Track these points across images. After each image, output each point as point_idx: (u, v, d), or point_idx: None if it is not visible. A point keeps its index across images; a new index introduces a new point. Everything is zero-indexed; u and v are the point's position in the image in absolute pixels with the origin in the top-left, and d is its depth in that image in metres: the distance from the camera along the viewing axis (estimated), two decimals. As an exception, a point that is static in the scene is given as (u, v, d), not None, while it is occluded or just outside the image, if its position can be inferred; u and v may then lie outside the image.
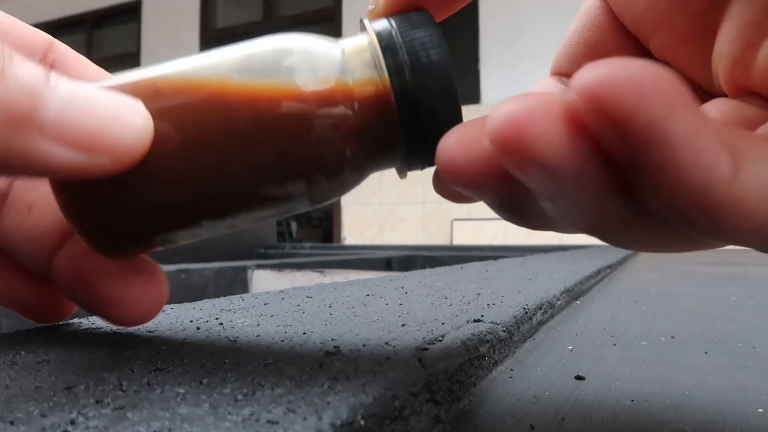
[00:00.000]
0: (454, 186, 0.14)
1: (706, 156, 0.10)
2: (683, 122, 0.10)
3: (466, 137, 0.13)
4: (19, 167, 0.13)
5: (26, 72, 0.13)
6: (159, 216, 0.15)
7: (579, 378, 0.20)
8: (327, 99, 0.15)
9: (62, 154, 0.13)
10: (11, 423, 0.10)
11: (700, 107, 0.11)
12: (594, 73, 0.10)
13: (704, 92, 0.17)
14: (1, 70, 0.12)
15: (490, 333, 0.21)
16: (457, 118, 0.15)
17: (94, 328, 0.20)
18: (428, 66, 0.15)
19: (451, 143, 0.13)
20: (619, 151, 0.10)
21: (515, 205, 0.14)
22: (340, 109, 0.15)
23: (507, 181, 0.13)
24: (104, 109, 0.14)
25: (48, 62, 0.19)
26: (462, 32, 3.24)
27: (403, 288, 0.35)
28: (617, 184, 0.11)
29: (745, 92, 0.15)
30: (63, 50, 0.19)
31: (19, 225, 0.18)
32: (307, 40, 0.15)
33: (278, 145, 0.14)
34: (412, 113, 0.15)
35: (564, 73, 0.20)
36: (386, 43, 0.15)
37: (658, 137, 0.10)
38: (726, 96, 0.16)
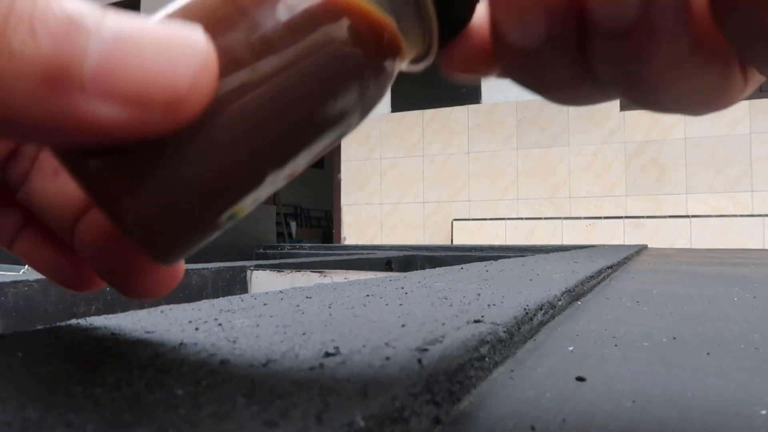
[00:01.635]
0: (515, 16, 0.13)
1: None
2: None
3: None
4: (64, 132, 0.11)
5: (58, 15, 0.11)
6: (222, 183, 0.14)
7: (580, 379, 0.20)
8: None
9: (111, 112, 0.11)
10: (8, 425, 0.10)
11: None
12: None
13: None
14: (30, 15, 0.10)
15: (490, 334, 0.21)
16: None
17: (92, 329, 0.20)
18: None
19: None
20: None
21: (558, 54, 0.13)
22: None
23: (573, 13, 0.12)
24: (154, 50, 0.11)
25: None
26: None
27: (403, 288, 0.35)
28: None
29: None
30: None
31: (45, 189, 0.18)
32: None
33: (326, 52, 0.14)
34: None
35: None
36: None
37: None
38: None
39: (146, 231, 0.14)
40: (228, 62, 0.13)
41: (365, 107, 0.15)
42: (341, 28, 0.14)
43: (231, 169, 0.13)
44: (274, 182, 0.15)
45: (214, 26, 0.13)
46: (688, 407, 0.17)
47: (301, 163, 0.15)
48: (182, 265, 0.18)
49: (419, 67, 0.17)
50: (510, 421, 0.15)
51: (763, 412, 0.16)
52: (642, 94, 0.14)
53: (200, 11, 0.13)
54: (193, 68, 0.11)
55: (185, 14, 0.13)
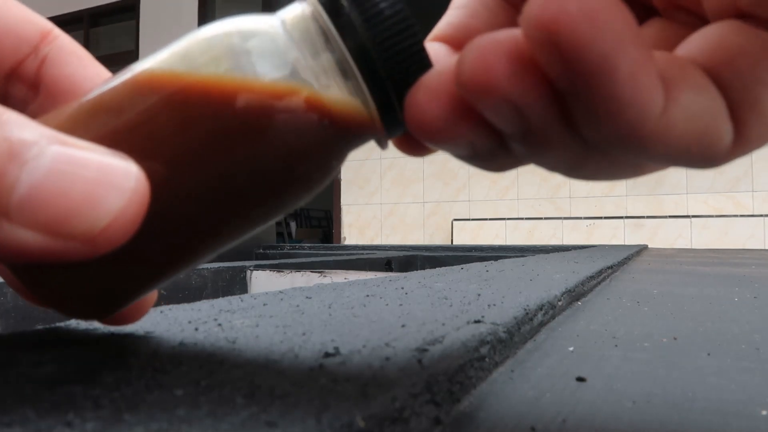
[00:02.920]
0: (428, 142, 0.14)
1: (645, 93, 0.10)
2: (629, 58, 0.10)
3: (430, 93, 0.13)
4: None
5: (1, 145, 0.11)
6: (143, 283, 0.15)
7: (580, 379, 0.20)
8: (284, 89, 0.13)
9: (33, 240, 0.11)
10: (7, 425, 0.10)
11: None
12: (547, 4, 0.10)
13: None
14: None
15: (490, 334, 0.21)
16: (428, 66, 0.14)
17: (91, 329, 0.20)
18: (381, 17, 0.13)
19: (418, 103, 0.13)
20: (565, 83, 0.11)
21: (482, 151, 0.14)
22: (301, 97, 0.13)
23: (475, 129, 0.13)
24: (83, 184, 0.11)
25: (39, 57, 0.17)
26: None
27: (403, 288, 0.35)
28: (565, 117, 0.12)
29: (670, 5, 0.15)
30: (60, 43, 0.18)
31: None
32: (245, 22, 0.14)
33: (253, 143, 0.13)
34: (378, 77, 0.14)
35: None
36: (329, 6, 0.13)
37: (604, 73, 0.10)
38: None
39: (69, 308, 0.15)
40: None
41: (285, 203, 0.15)
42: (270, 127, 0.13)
43: (147, 272, 0.15)
44: (206, 258, 0.15)
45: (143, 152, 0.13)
46: (688, 407, 0.17)
47: (243, 232, 0.15)
48: (153, 295, 0.18)
49: (382, 146, 0.17)
50: (510, 421, 0.15)
51: (764, 412, 0.16)
52: (578, 176, 0.14)
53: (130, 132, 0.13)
54: (117, 206, 0.12)
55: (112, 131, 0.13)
